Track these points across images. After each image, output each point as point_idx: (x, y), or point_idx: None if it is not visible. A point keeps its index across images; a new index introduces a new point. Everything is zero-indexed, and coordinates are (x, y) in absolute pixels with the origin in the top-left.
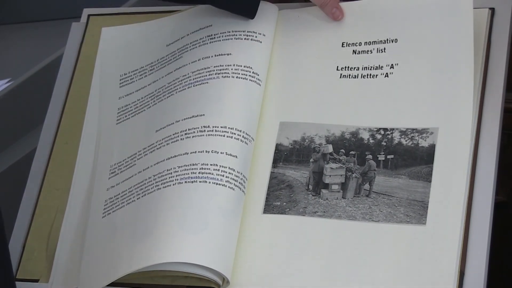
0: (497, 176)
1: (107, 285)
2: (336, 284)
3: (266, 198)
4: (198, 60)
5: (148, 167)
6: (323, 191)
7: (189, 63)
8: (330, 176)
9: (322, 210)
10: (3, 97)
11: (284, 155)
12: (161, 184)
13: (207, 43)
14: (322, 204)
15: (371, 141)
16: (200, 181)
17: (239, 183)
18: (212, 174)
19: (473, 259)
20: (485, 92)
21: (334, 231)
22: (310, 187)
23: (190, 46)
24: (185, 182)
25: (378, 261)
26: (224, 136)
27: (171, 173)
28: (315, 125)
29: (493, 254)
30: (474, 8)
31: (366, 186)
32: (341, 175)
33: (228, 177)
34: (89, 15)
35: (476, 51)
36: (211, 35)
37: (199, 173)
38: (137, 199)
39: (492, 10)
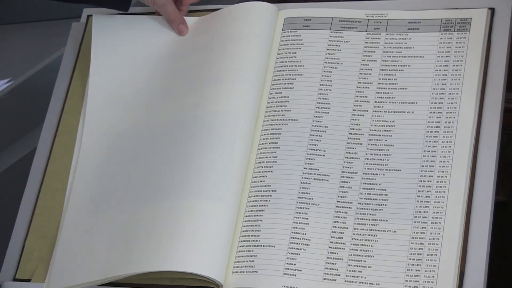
0: (497, 176)
1: (106, 285)
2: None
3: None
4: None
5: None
6: None
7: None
8: None
9: None
10: (3, 97)
11: None
12: None
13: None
14: None
15: None
16: None
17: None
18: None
19: (473, 259)
20: (485, 92)
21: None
22: None
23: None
24: None
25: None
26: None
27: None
28: None
29: (493, 254)
30: (474, 8)
31: None
32: None
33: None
34: (89, 15)
35: (476, 51)
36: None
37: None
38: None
39: (492, 10)
